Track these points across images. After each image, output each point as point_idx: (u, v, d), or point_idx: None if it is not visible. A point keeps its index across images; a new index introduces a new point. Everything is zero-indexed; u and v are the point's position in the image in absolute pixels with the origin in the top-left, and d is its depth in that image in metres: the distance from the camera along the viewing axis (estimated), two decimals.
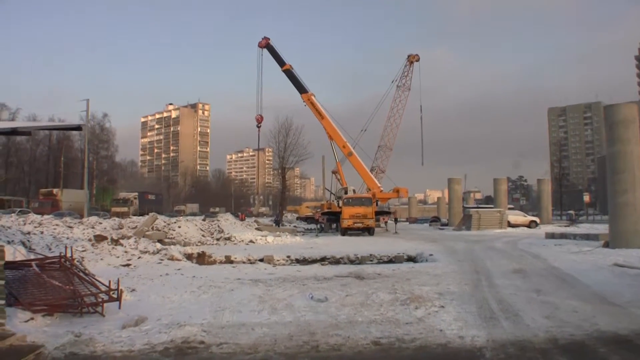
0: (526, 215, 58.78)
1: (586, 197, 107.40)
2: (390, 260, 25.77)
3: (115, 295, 11.68)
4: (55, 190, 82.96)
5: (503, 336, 9.57)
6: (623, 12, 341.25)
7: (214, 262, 24.44)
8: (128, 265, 20.29)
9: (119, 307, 11.61)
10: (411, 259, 25.89)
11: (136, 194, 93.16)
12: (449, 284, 15.23)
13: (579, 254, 23.50)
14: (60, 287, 11.67)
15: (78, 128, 13.47)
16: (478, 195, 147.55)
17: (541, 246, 28.57)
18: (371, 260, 25.71)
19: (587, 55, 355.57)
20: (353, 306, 12.03)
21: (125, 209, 79.09)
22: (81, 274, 13.02)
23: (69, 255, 13.98)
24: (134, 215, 60.70)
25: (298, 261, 25.48)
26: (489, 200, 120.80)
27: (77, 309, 11.28)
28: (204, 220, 44.54)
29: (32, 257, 15.06)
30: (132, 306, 12.01)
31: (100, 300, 11.49)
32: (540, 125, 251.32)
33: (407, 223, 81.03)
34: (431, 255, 24.98)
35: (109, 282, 12.09)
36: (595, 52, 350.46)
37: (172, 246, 26.40)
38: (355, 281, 16.11)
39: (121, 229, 32.54)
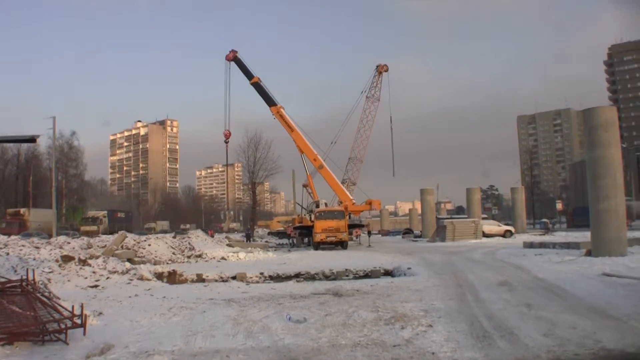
0: (500, 224, 58.43)
1: (559, 205, 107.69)
2: (367, 275, 25.20)
3: (79, 321, 10.78)
4: (22, 210, 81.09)
5: (502, 358, 8.84)
6: (591, 17, 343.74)
7: (185, 281, 23.88)
8: (96, 286, 19.47)
9: (84, 334, 10.68)
10: (388, 273, 25.30)
11: (105, 212, 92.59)
12: (433, 300, 14.51)
13: (562, 263, 22.94)
14: (20, 314, 10.77)
15: (32, 140, 12.61)
16: (449, 206, 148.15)
17: (521, 256, 27.97)
18: (347, 276, 25.09)
19: (556, 61, 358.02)
20: (334, 327, 11.25)
21: (94, 228, 78.52)
22: (44, 298, 12.15)
23: (31, 278, 13.13)
24: (104, 234, 59.94)
25: (272, 278, 24.78)
26: (460, 211, 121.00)
27: (38, 336, 10.40)
28: (174, 237, 43.68)
29: None
30: (98, 332, 11.16)
31: (63, 327, 10.60)
32: (509, 133, 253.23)
33: (380, 236, 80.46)
34: (409, 268, 24.36)
35: (72, 307, 11.27)
36: (563, 58, 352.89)
37: (141, 265, 25.72)
38: (333, 299, 15.36)
39: (90, 248, 31.81)
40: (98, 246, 32.83)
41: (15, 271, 19.82)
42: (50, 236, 46.99)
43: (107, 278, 21.03)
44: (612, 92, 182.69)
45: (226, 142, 61.60)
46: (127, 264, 24.27)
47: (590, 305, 12.90)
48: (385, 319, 11.82)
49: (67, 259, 23.08)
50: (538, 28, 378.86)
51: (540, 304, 13.31)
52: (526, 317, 11.82)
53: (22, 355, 9.62)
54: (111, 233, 56.75)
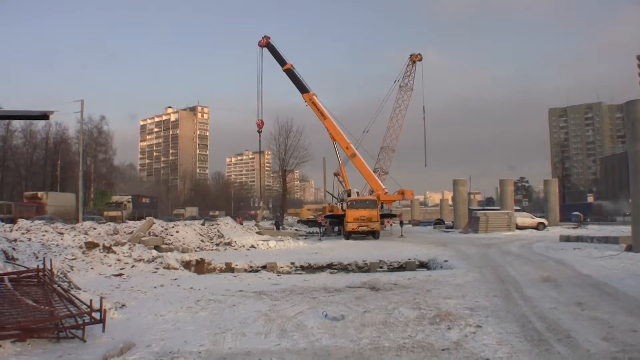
0: (533, 216, 57.22)
1: (590, 198, 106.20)
2: (402, 267, 24.55)
3: (98, 316, 9.94)
4: (40, 194, 78.92)
5: None
6: (624, 11, 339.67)
7: (213, 270, 23.44)
8: (120, 274, 18.87)
9: (103, 330, 9.84)
10: (423, 265, 24.66)
11: (129, 196, 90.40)
12: (476, 296, 13.59)
13: (604, 259, 21.94)
14: (34, 308, 9.90)
15: (44, 117, 11.78)
16: (479, 197, 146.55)
17: (559, 250, 27.12)
18: (381, 267, 24.50)
19: (588, 55, 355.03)
20: (374, 326, 10.35)
21: (118, 213, 76.65)
22: (61, 290, 11.30)
23: (49, 267, 12.32)
24: (129, 219, 58.96)
25: (303, 268, 24.23)
26: (489, 202, 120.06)
27: (53, 333, 9.58)
28: (203, 224, 43.07)
29: (10, 269, 13.45)
30: (119, 327, 10.36)
31: (81, 322, 9.75)
32: (540, 126, 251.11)
33: (411, 226, 79.50)
34: (446, 261, 23.57)
35: (90, 301, 10.44)
36: (596, 52, 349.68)
37: (168, 253, 24.96)
38: (370, 293, 14.49)
39: (116, 234, 31.22)
40: (125, 232, 32.26)
41: (37, 258, 19.19)
42: (65, 221, 45.83)
43: (133, 266, 20.42)
44: None
45: (259, 132, 61.53)
46: (154, 252, 23.70)
47: None
48: (429, 318, 10.92)
49: (91, 245, 22.36)
50: (571, 22, 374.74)
51: (591, 303, 12.36)
52: (580, 317, 10.89)
53: (34, 354, 8.80)
54: (135, 219, 55.98)
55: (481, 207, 73.43)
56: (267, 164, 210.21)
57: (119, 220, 57.88)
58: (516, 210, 59.41)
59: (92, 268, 19.45)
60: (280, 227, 63.61)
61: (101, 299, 10.41)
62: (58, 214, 67.10)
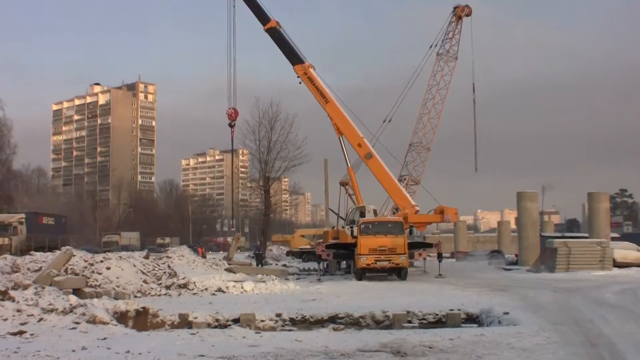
0: None
1: None
2: (440, 321, 24.49)
3: None
4: None
5: None
6: None
7: (161, 325, 23.37)
8: (21, 333, 18.73)
9: None
10: (473, 319, 24.71)
11: (22, 216, 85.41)
12: None
13: None
14: None
15: None
16: (556, 219, 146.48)
17: None
18: (410, 322, 24.28)
19: None
20: None
21: (3, 241, 73.98)
22: None
23: None
24: (23, 250, 58.25)
25: (295, 322, 24.25)
26: (572, 226, 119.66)
27: None
28: (146, 257, 42.89)
29: None
30: None
31: None
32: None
33: (454, 260, 79.57)
34: (506, 313, 23.40)
35: None
36: None
37: (95, 300, 25.04)
38: None
39: (15, 272, 31.09)
40: (29, 269, 32.21)
41: None
42: None
43: (40, 320, 20.29)
44: None
45: (231, 126, 60.25)
46: (73, 298, 23.49)
47: None
48: None
49: None
50: None
51: None
52: None
53: None
54: (32, 248, 55.50)
55: (560, 234, 73.16)
56: (243, 169, 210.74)
57: (5, 251, 57.34)
58: (613, 239, 59.08)
59: None
60: (263, 261, 63.32)
61: None
62: None
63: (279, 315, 24.41)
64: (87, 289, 29.52)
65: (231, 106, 59.72)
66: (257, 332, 20.60)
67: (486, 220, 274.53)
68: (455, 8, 60.00)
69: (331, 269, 50.58)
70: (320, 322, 24.02)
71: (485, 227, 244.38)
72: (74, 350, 16.04)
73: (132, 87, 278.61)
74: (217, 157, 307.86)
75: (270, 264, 64.38)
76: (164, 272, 37.17)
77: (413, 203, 54.93)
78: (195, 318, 23.83)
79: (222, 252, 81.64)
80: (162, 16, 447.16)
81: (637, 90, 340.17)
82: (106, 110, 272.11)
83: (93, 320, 20.70)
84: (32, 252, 41.04)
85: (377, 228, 44.94)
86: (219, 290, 33.67)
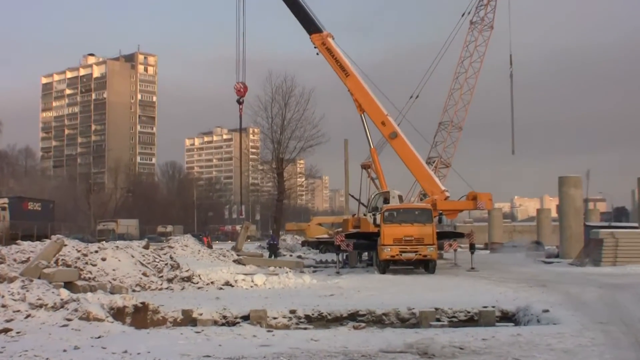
0: None
1: None
2: (472, 319, 24.57)
3: None
4: None
5: None
6: None
7: (162, 322, 23.50)
8: (6, 331, 18.80)
9: None
10: (508, 318, 24.73)
11: (5, 201, 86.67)
12: None
13: None
14: None
15: None
16: (602, 207, 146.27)
17: None
18: (439, 320, 24.35)
19: None
20: None
21: None
22: None
23: None
24: (8, 238, 58.30)
25: (310, 320, 24.28)
26: (621, 215, 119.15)
27: None
28: (146, 247, 43.02)
29: None
30: None
31: None
32: None
33: (488, 252, 79.43)
34: (546, 311, 23.42)
35: None
36: None
37: (89, 295, 25.04)
38: None
39: (1, 263, 31.15)
40: (15, 260, 32.32)
41: None
42: None
43: (28, 316, 20.39)
44: None
45: (240, 103, 59.67)
46: (64, 292, 23.53)
47: None
48: None
49: None
50: None
51: None
52: None
53: None
54: (19, 237, 55.52)
55: (606, 224, 72.90)
56: (254, 150, 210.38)
57: None
58: None
59: None
60: (276, 252, 63.05)
61: None
62: None
63: (293, 311, 24.47)
64: (80, 282, 29.62)
65: (240, 80, 58.91)
66: (268, 331, 20.63)
67: (524, 208, 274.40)
68: None
69: (351, 261, 50.47)
70: (338, 320, 24.03)
71: (523, 216, 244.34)
72: (65, 350, 16.09)
73: (130, 59, 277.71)
74: (224, 137, 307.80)
75: (284, 255, 64.25)
76: (166, 264, 37.25)
77: (443, 188, 54.78)
78: (200, 315, 23.86)
79: (230, 241, 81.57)
80: None
81: None
82: (102, 83, 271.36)
83: (87, 317, 20.75)
84: (18, 241, 41.07)
85: (402, 216, 44.65)
86: (227, 284, 33.79)
